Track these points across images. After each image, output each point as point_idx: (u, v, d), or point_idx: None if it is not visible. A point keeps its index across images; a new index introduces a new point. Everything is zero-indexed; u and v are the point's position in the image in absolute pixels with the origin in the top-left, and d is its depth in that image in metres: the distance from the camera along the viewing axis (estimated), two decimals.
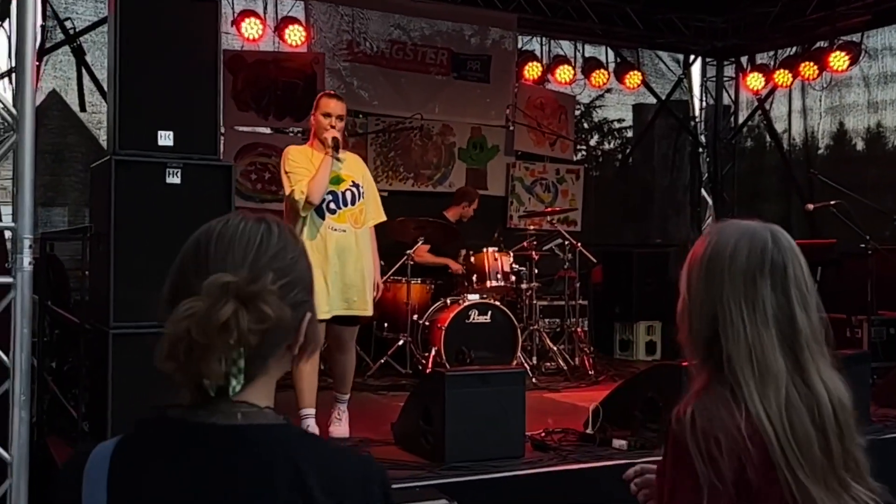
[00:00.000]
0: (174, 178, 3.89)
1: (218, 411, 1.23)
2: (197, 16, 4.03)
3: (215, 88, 4.08)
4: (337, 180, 4.80)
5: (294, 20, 8.24)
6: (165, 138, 3.91)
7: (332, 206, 4.75)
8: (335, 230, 4.74)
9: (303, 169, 4.70)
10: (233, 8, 8.06)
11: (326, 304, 4.56)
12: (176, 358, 1.17)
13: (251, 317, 1.18)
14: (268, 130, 8.59)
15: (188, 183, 3.93)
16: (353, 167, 4.94)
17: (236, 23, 7.98)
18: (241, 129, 8.35)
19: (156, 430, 1.26)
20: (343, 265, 4.73)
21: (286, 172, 4.74)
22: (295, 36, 8.17)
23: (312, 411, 4.69)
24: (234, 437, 1.22)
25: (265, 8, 8.29)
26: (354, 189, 4.84)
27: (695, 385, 1.63)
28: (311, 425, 4.63)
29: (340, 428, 4.94)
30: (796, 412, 1.55)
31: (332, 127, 4.78)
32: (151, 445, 1.25)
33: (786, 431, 1.53)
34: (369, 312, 4.94)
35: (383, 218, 5.08)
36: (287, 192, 4.74)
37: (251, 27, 8.00)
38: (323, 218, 4.73)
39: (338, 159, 4.76)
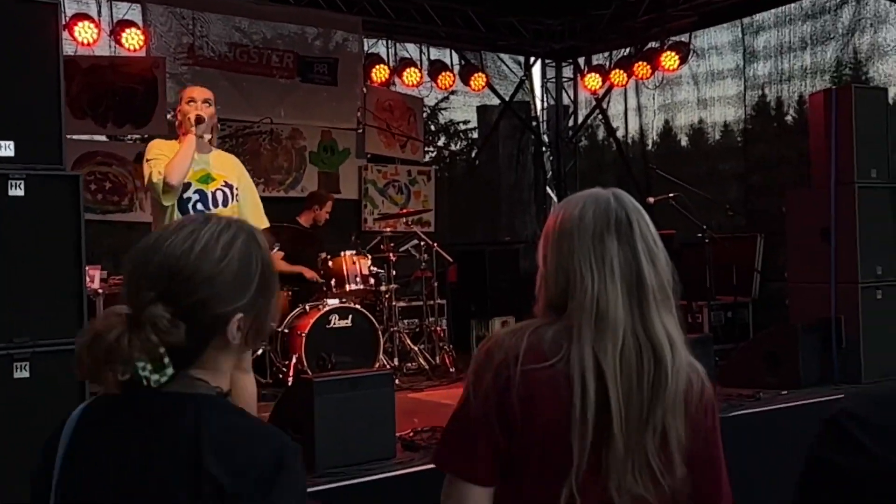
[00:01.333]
0: (17, 191, 3.66)
1: (163, 384, 1.40)
2: (35, 18, 3.80)
3: (58, 94, 3.88)
4: (206, 178, 4.43)
5: (131, 23, 7.93)
6: (6, 148, 3.67)
7: (200, 206, 4.36)
8: None
9: (164, 156, 4.33)
10: (65, 11, 7.66)
11: None
12: (82, 370, 1.40)
13: (135, 339, 1.37)
14: (106, 138, 8.23)
15: (33, 195, 3.70)
16: (227, 166, 4.57)
17: (69, 27, 7.59)
18: (77, 137, 7.94)
19: (111, 398, 1.44)
20: None
21: (146, 161, 4.35)
22: (132, 40, 7.87)
23: None
24: (160, 402, 1.41)
25: (99, 11, 7.94)
26: (227, 189, 4.47)
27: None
28: None
29: None
30: (629, 356, 1.59)
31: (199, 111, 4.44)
32: (103, 412, 1.45)
33: (616, 376, 1.57)
34: None
35: (265, 224, 4.70)
36: (145, 181, 4.36)
37: (85, 31, 7.65)
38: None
39: (201, 137, 4.39)
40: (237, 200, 4.48)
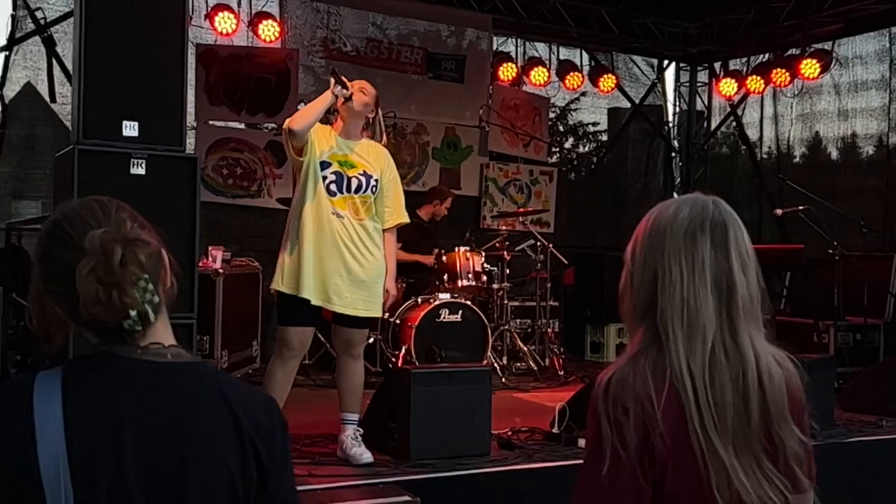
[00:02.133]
0: (139, 169, 3.85)
1: (148, 353, 1.45)
2: (164, 6, 3.99)
3: (182, 79, 4.05)
4: (347, 164, 4.39)
5: (268, 15, 8.20)
6: (130, 129, 3.87)
7: (333, 187, 4.33)
8: (334, 214, 4.32)
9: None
10: (206, 2, 8.02)
11: (316, 291, 4.26)
12: (100, 302, 1.39)
13: (138, 249, 1.42)
14: (241, 125, 8.54)
15: (153, 174, 3.89)
16: (373, 159, 4.48)
17: (210, 16, 7.93)
18: (213, 123, 8.29)
19: (100, 363, 1.44)
20: (346, 257, 4.33)
21: (283, 130, 4.33)
22: (269, 31, 8.13)
23: None
24: (170, 371, 1.46)
25: (239, 2, 8.24)
26: (364, 179, 4.40)
27: (626, 351, 1.65)
28: None
29: (362, 451, 4.33)
30: (719, 369, 1.54)
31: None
32: (100, 375, 1.42)
33: (705, 385, 1.53)
34: (374, 314, 4.52)
35: (405, 220, 4.64)
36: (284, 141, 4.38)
37: (224, 21, 7.95)
38: (331, 195, 4.32)
39: (338, 96, 4.32)
40: (373, 192, 4.46)
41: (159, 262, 1.47)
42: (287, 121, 4.28)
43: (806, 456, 1.63)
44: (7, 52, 7.34)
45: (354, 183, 4.40)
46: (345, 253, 4.35)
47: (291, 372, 4.41)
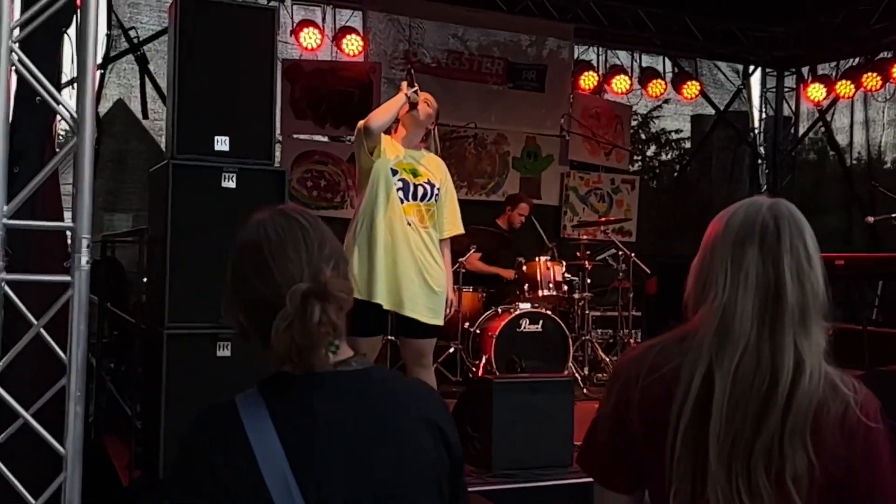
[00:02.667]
0: (229, 183, 3.96)
1: (338, 365, 1.51)
2: (254, 24, 4.10)
3: (271, 95, 4.14)
4: (413, 172, 4.49)
5: (352, 30, 8.34)
6: (222, 143, 3.98)
7: (401, 194, 4.42)
8: (405, 221, 4.40)
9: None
10: (292, 18, 8.21)
11: (389, 295, 4.33)
12: (290, 359, 1.44)
13: (333, 307, 1.43)
14: (325, 139, 8.70)
15: (243, 187, 3.99)
16: (434, 168, 4.60)
17: (295, 32, 8.11)
18: (298, 136, 8.46)
19: (295, 383, 1.48)
20: (418, 264, 4.40)
21: (356, 130, 4.44)
22: (352, 45, 8.27)
23: None
24: (362, 377, 1.52)
25: (323, 18, 8.41)
26: (429, 187, 4.51)
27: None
28: None
29: None
30: (745, 377, 1.51)
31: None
32: (301, 393, 1.47)
33: (724, 393, 1.50)
34: (439, 322, 4.58)
35: (461, 230, 4.75)
36: (357, 159, 4.50)
37: (309, 37, 8.12)
38: (399, 202, 4.41)
39: (411, 99, 4.41)
40: (436, 200, 4.56)
41: (347, 308, 1.50)
42: (362, 121, 4.35)
43: (815, 484, 1.52)
44: (102, 71, 7.62)
45: (420, 191, 4.49)
46: (417, 260, 4.42)
47: None
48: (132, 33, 7.70)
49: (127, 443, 4.42)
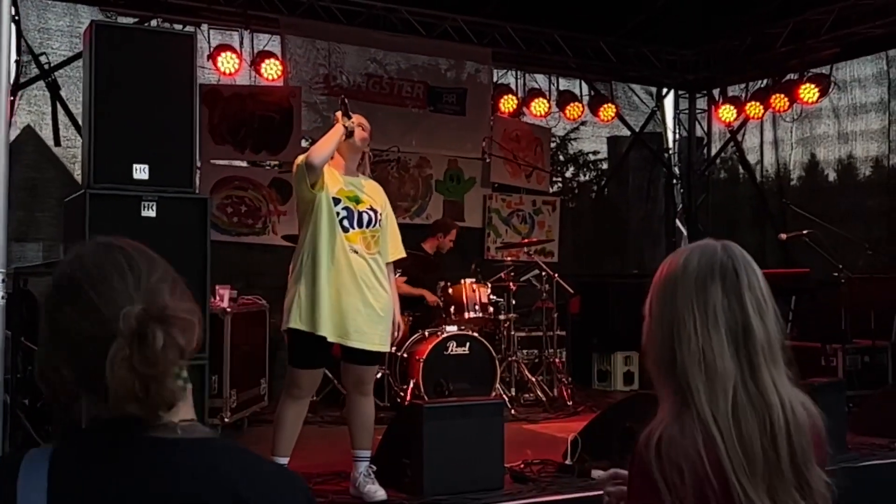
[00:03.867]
0: (149, 212, 3.88)
1: (157, 425, 1.26)
2: (172, 49, 4.04)
3: (191, 121, 4.09)
4: (356, 199, 4.45)
5: (270, 54, 8.27)
6: (141, 171, 3.90)
7: (346, 223, 4.37)
8: (350, 250, 4.34)
9: None
10: (209, 42, 8.10)
11: (334, 327, 4.25)
12: (136, 398, 1.21)
13: (176, 328, 1.23)
14: (245, 164, 8.60)
15: (164, 216, 3.92)
16: (374, 193, 4.58)
17: (213, 57, 8.01)
18: (217, 162, 8.34)
19: (96, 440, 1.27)
20: (364, 292, 4.33)
21: (296, 164, 4.35)
22: (271, 70, 8.20)
23: (286, 460, 4.24)
24: (175, 450, 1.27)
25: (241, 42, 8.32)
26: (372, 213, 4.47)
27: (661, 409, 1.63)
28: None
29: (376, 488, 4.31)
30: (744, 414, 1.54)
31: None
32: (92, 453, 1.27)
33: (731, 432, 1.53)
34: (387, 348, 4.59)
35: (403, 254, 4.74)
36: (295, 190, 4.40)
37: (227, 61, 8.02)
38: (344, 231, 4.34)
39: (349, 129, 4.36)
40: (380, 225, 4.53)
41: (193, 331, 1.28)
42: (301, 157, 4.29)
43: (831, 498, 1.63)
44: (11, 98, 7.39)
45: (365, 217, 4.45)
46: (363, 288, 4.36)
47: (302, 411, 4.42)
48: (42, 59, 7.50)
49: None
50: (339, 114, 4.45)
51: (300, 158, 4.30)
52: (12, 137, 7.57)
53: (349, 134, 4.41)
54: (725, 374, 1.55)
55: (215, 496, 1.24)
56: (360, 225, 4.41)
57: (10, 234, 7.60)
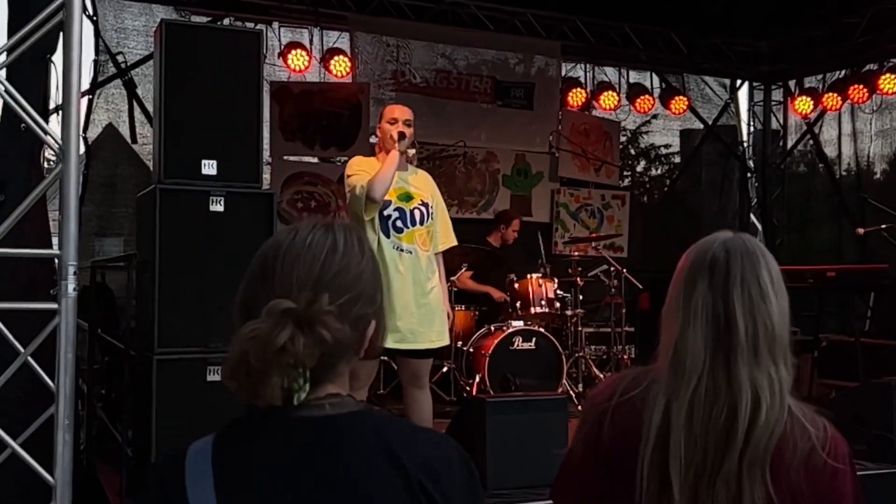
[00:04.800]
0: (217, 206, 3.95)
1: (305, 405, 1.31)
2: (240, 46, 4.11)
3: (258, 117, 4.15)
4: (406, 197, 4.45)
5: (339, 51, 8.36)
6: (209, 167, 3.98)
7: (399, 223, 4.38)
8: (402, 250, 4.35)
9: (364, 172, 4.37)
10: (280, 40, 8.22)
11: (391, 334, 4.13)
12: (237, 378, 1.26)
13: (307, 340, 1.25)
14: (314, 160, 8.70)
15: (231, 211, 3.99)
16: (424, 185, 4.58)
17: (283, 55, 8.12)
18: (287, 158, 8.46)
19: (252, 425, 1.33)
20: (414, 291, 4.35)
21: (347, 177, 4.43)
22: (340, 67, 8.29)
23: None
24: (329, 426, 1.32)
25: (311, 40, 8.42)
26: (423, 209, 4.47)
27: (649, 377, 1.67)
28: None
29: None
30: (702, 409, 1.52)
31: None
32: (251, 438, 1.32)
33: (682, 424, 1.52)
34: (446, 342, 4.57)
35: (454, 242, 4.73)
36: (348, 200, 4.45)
37: (297, 59, 8.13)
38: (388, 237, 4.35)
39: (407, 159, 4.43)
40: (432, 218, 4.53)
41: (348, 339, 1.32)
42: (363, 188, 4.27)
43: None
44: (90, 96, 7.62)
45: (417, 214, 4.46)
46: (415, 288, 4.38)
47: (361, 396, 4.46)
48: (119, 58, 7.71)
49: (118, 470, 4.38)
50: (396, 143, 4.41)
51: (359, 189, 4.28)
52: (93, 136, 7.85)
53: (401, 136, 4.41)
54: (692, 368, 1.54)
55: (375, 466, 1.29)
56: (412, 223, 4.43)
57: (91, 228, 7.94)
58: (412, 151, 4.59)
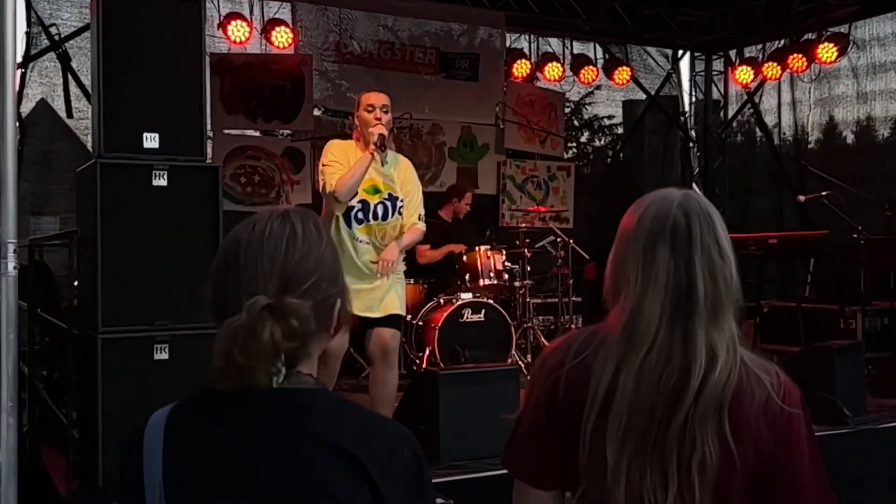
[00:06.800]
0: (160, 181, 3.85)
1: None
2: (180, 17, 3.99)
3: (201, 89, 4.04)
4: (374, 190, 4.47)
5: (281, 22, 8.21)
6: (151, 140, 3.87)
7: (360, 215, 4.45)
8: (359, 241, 4.43)
9: (338, 164, 4.37)
10: (219, 11, 8.03)
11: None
12: (223, 370, 1.31)
13: (283, 330, 1.31)
14: (257, 133, 8.56)
15: (175, 185, 3.89)
16: (402, 178, 4.56)
17: (223, 25, 7.95)
18: (229, 132, 8.31)
19: (201, 398, 1.40)
20: (370, 282, 4.44)
21: (323, 166, 4.43)
22: (282, 38, 8.14)
23: None
24: (275, 398, 1.36)
25: (251, 10, 8.25)
26: (389, 203, 4.49)
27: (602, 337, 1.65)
28: None
29: None
30: (652, 372, 1.51)
31: (378, 120, 4.39)
32: (197, 411, 1.39)
33: (627, 386, 1.51)
34: (401, 311, 4.61)
35: (414, 222, 4.62)
36: (320, 188, 4.50)
37: (238, 30, 7.97)
38: (350, 227, 4.43)
39: (381, 160, 4.41)
40: (400, 214, 4.52)
41: (317, 320, 1.38)
42: (332, 187, 4.33)
43: (796, 497, 1.55)
44: (23, 70, 7.38)
45: (380, 210, 4.48)
46: (363, 269, 4.47)
47: (326, 380, 4.43)
48: (53, 30, 7.47)
49: (64, 452, 4.28)
50: (372, 146, 4.36)
51: (328, 187, 4.35)
52: (26, 111, 7.60)
53: (381, 142, 4.38)
54: (646, 334, 1.52)
55: (315, 440, 1.33)
56: (374, 217, 4.46)
57: (26, 207, 7.72)
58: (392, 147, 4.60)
